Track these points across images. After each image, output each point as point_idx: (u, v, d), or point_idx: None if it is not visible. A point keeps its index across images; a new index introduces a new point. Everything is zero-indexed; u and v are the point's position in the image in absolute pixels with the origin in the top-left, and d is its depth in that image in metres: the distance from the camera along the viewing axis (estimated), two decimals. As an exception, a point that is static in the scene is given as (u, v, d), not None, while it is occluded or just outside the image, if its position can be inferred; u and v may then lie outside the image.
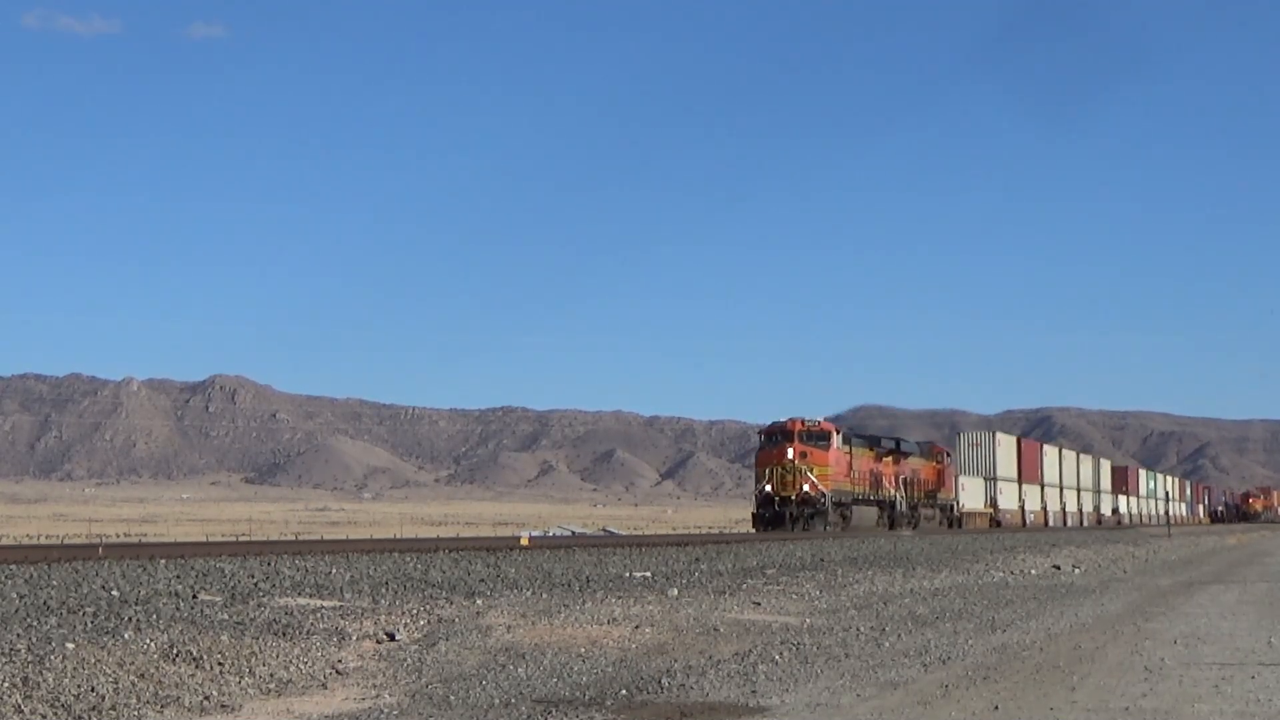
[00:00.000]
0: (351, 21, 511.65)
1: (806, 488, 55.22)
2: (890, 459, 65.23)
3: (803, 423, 56.64)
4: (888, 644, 15.53)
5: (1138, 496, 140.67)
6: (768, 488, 55.69)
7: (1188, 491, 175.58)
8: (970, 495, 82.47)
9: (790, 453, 56.26)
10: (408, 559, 25.87)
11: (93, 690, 10.76)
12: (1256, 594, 25.66)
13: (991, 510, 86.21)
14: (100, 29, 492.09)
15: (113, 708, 10.48)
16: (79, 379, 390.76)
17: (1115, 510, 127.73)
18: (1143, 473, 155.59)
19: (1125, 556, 41.93)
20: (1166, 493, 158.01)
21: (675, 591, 20.36)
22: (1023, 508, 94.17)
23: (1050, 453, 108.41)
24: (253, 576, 20.46)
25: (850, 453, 59.11)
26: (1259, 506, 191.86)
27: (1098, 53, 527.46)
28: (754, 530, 55.87)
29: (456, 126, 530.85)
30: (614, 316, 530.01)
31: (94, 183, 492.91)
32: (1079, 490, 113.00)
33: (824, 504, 55.08)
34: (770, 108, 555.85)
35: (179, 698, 11.01)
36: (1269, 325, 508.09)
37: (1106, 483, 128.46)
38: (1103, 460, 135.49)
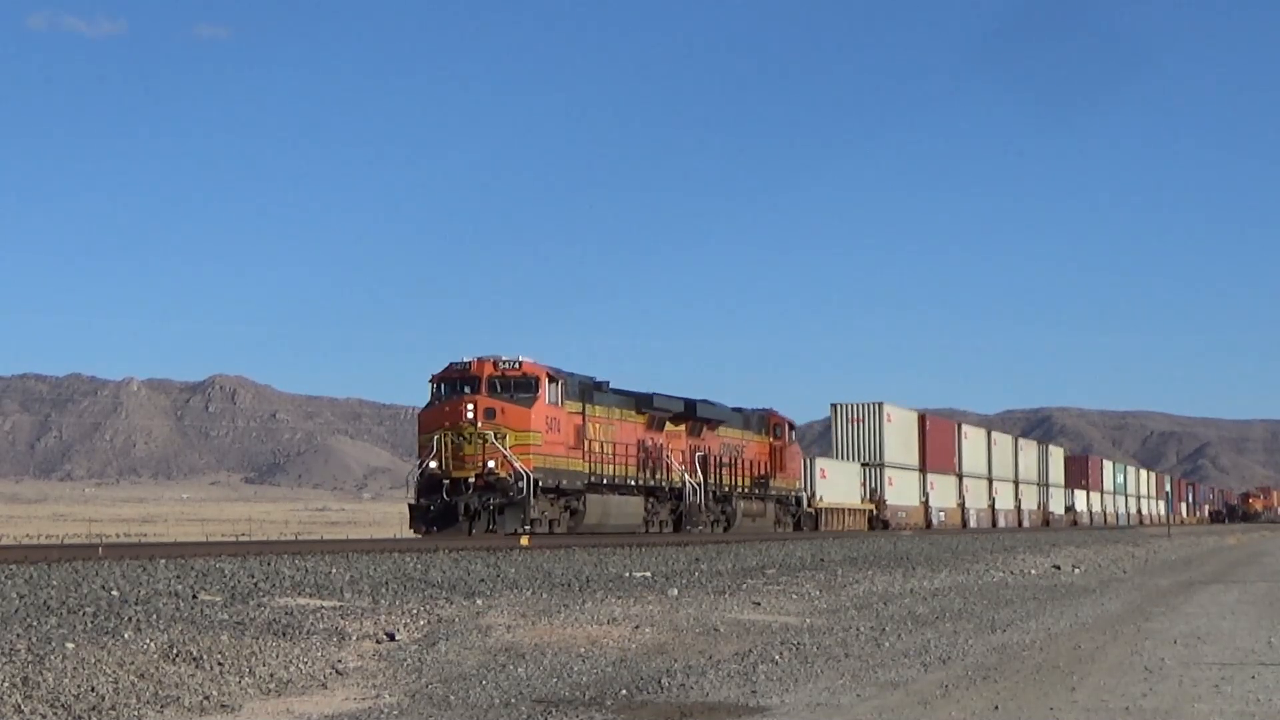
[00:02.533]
0: (355, 22, 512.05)
1: (493, 464, 37.92)
2: (678, 428, 47.76)
3: (494, 364, 39.20)
4: (888, 644, 15.54)
5: (1101, 492, 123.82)
6: (433, 464, 38.40)
7: (1166, 487, 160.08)
8: (836, 486, 65.86)
9: (470, 410, 38.70)
10: (408, 559, 25.88)
11: (93, 690, 10.76)
12: (1256, 594, 25.66)
13: (873, 506, 69.92)
14: (106, 30, 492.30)
15: (113, 708, 10.48)
16: (79, 379, 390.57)
17: (1070, 508, 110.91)
18: (1107, 464, 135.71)
19: (1125, 556, 41.95)
20: (1139, 488, 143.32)
21: (675, 591, 20.37)
22: (927, 504, 76.86)
23: (974, 435, 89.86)
24: (253, 576, 20.46)
25: (583, 413, 41.80)
26: (1259, 506, 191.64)
27: (1098, 53, 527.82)
28: (413, 532, 39.29)
29: (459, 126, 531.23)
30: (615, 316, 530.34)
31: (95, 183, 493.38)
32: (1017, 483, 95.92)
33: (521, 489, 37.68)
34: (769, 107, 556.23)
35: (179, 698, 11.01)
36: (1269, 325, 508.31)
37: (1058, 474, 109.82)
38: (1053, 447, 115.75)
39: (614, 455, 43.41)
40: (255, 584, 19.28)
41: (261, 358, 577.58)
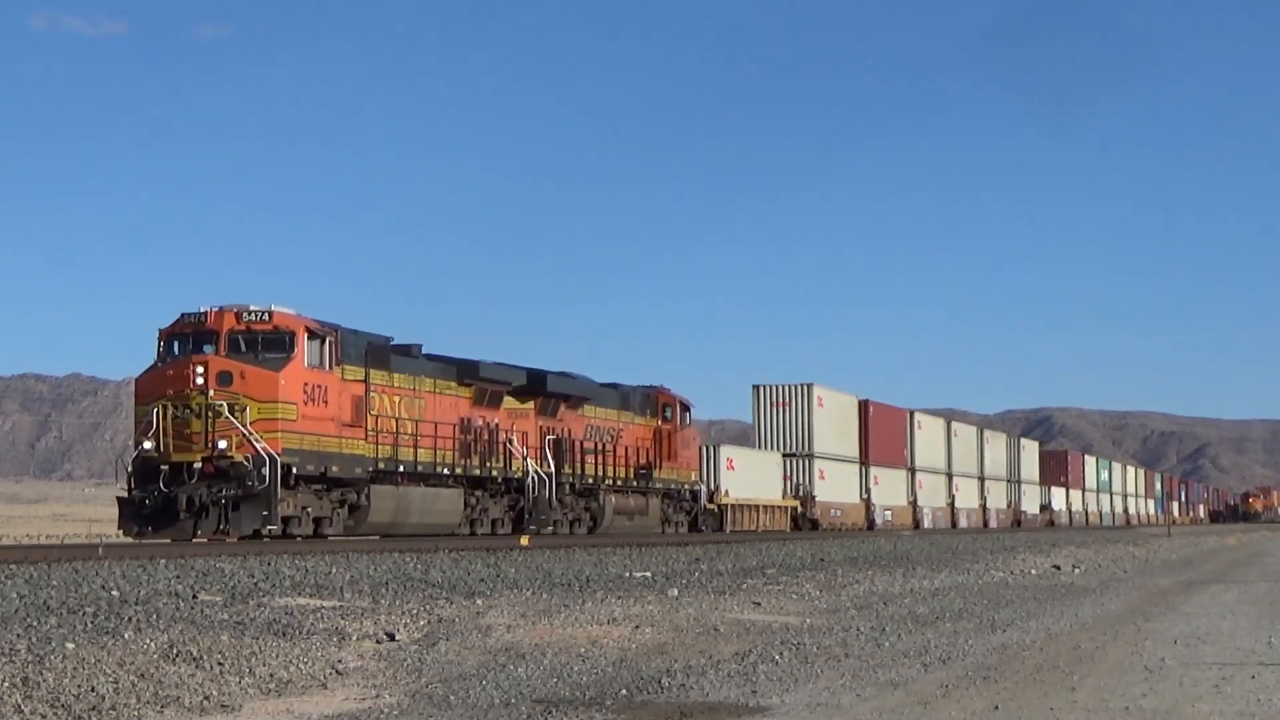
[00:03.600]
0: (357, 22, 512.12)
1: (225, 444, 29.83)
2: (523, 405, 39.53)
3: (236, 315, 30.92)
4: (888, 644, 15.54)
5: (1082, 490, 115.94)
6: (148, 444, 30.05)
7: (1157, 486, 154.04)
8: (747, 479, 56.83)
9: (199, 373, 30.24)
10: (408, 559, 25.89)
11: (93, 690, 10.76)
12: (1257, 594, 25.67)
13: (797, 503, 61.09)
14: (108, 30, 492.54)
15: (113, 708, 10.48)
16: (79, 379, 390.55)
17: (1045, 507, 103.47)
18: (1090, 460, 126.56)
19: (1125, 556, 41.96)
20: (1126, 486, 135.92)
21: (675, 591, 20.38)
22: (869, 502, 68.36)
23: (930, 425, 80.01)
24: (253, 576, 20.48)
25: (367, 380, 32.90)
26: (1259, 506, 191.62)
27: (1098, 53, 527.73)
28: (121, 534, 31.23)
29: (461, 127, 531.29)
30: (615, 316, 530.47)
31: (97, 183, 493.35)
32: (983, 479, 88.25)
33: (263, 477, 29.58)
34: (768, 107, 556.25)
35: (179, 698, 11.01)
36: (1269, 325, 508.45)
37: (1031, 470, 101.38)
38: (1025, 440, 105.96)
39: (420, 436, 34.72)
40: (255, 584, 19.30)
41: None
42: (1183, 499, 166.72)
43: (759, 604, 19.81)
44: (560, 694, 11.81)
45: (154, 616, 14.20)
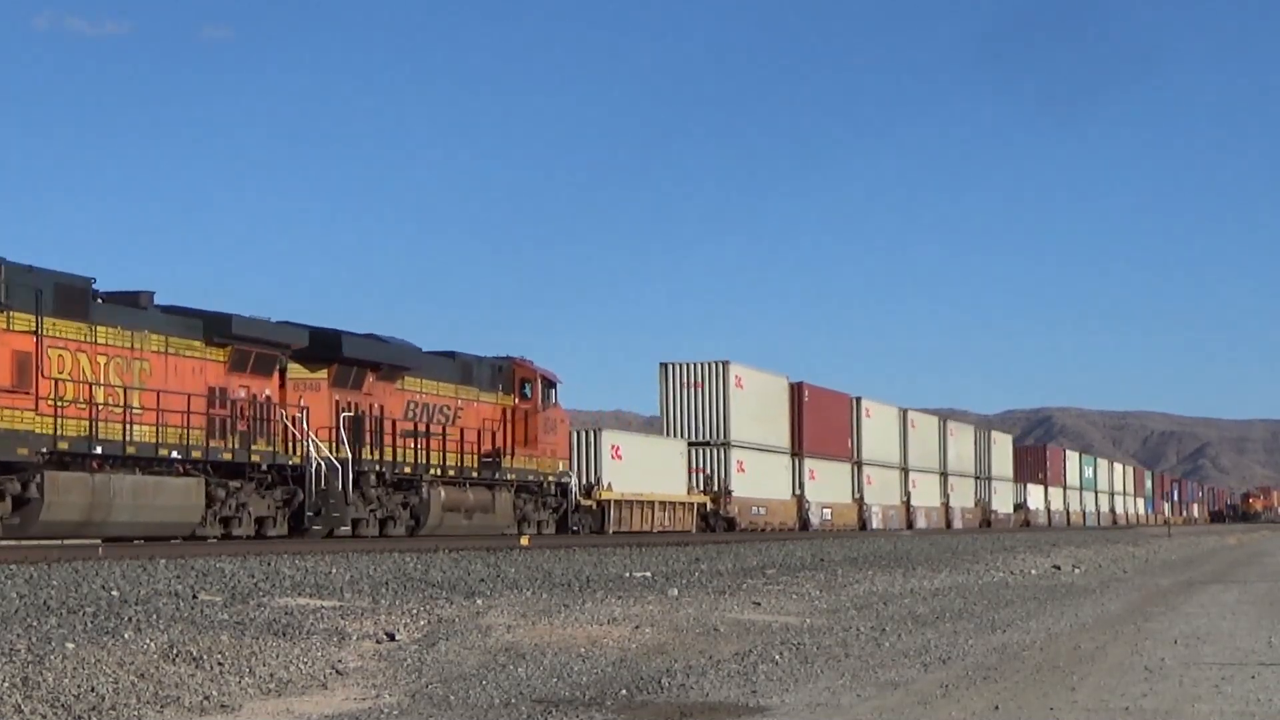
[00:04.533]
0: (362, 23, 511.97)
1: None
2: (313, 374, 33.07)
3: None
4: (888, 644, 15.54)
5: (1063, 487, 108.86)
6: None
7: (1148, 484, 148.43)
8: (638, 471, 48.48)
9: None
10: (408, 559, 25.90)
11: (93, 690, 10.76)
12: (1257, 594, 25.67)
13: (707, 499, 53.52)
14: (111, 31, 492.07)
15: (113, 708, 10.48)
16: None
17: (1020, 506, 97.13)
18: (1072, 455, 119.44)
19: (1125, 556, 41.96)
20: (1113, 484, 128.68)
21: (675, 591, 20.38)
22: (802, 498, 60.87)
23: (881, 414, 71.45)
24: (253, 576, 20.49)
25: (38, 334, 26.06)
26: (1259, 506, 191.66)
27: (1098, 53, 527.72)
28: None
29: (463, 129, 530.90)
30: (616, 315, 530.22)
31: (99, 184, 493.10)
32: (945, 475, 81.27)
33: None
34: (769, 107, 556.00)
35: (179, 698, 11.01)
36: (1269, 325, 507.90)
37: (1004, 466, 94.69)
38: (997, 434, 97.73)
39: (137, 409, 27.87)
40: (255, 584, 19.30)
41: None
42: (1175, 498, 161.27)
43: (759, 604, 19.81)
44: (560, 694, 11.81)
45: (154, 616, 14.20)
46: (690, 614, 17.69)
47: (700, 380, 54.54)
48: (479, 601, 17.31)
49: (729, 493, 54.35)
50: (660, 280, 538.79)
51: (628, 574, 24.30)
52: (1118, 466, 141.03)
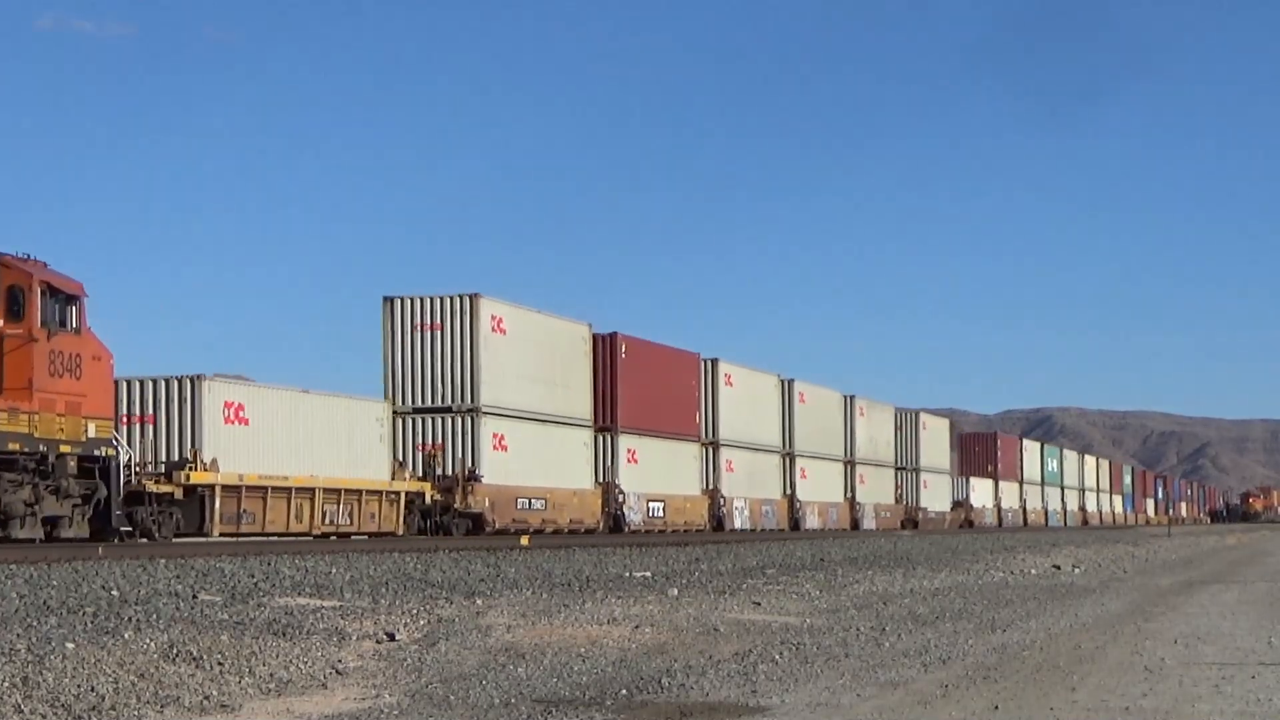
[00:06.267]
0: (365, 25, 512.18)
1: None
2: None
3: None
4: (888, 644, 15.54)
5: (1020, 482, 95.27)
6: None
7: (1126, 479, 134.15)
8: (278, 445, 34.38)
9: None
10: (408, 559, 25.90)
11: (93, 690, 10.76)
12: (1256, 594, 25.67)
13: (434, 488, 38.65)
14: (115, 32, 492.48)
15: (112, 708, 10.49)
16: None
17: (961, 503, 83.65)
18: (1031, 445, 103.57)
19: (1125, 556, 41.97)
20: (1084, 479, 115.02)
21: (675, 591, 20.38)
22: (609, 487, 45.73)
23: (748, 382, 56.01)
24: (253, 576, 20.50)
25: None
26: (1259, 506, 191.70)
27: (1098, 53, 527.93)
28: None
29: (464, 130, 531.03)
30: (615, 317, 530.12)
31: (101, 184, 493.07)
32: (851, 464, 67.02)
33: None
34: (769, 107, 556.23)
35: (179, 698, 11.02)
36: (1269, 325, 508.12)
37: (939, 456, 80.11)
38: (929, 417, 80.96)
39: None
40: (255, 584, 19.31)
41: (261, 357, 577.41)
42: (1159, 495, 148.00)
43: (759, 604, 19.81)
44: (560, 694, 11.81)
45: (154, 616, 14.21)
46: (690, 614, 17.70)
47: (437, 321, 39.84)
48: (479, 601, 17.31)
49: (474, 479, 39.17)
50: (651, 284, 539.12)
51: (628, 574, 24.31)
52: (1089, 460, 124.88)
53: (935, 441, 79.99)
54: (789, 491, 59.97)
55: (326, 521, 35.16)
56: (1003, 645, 15.77)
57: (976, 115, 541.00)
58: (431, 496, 38.88)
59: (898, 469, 74.73)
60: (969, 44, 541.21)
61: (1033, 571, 31.73)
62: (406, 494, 38.13)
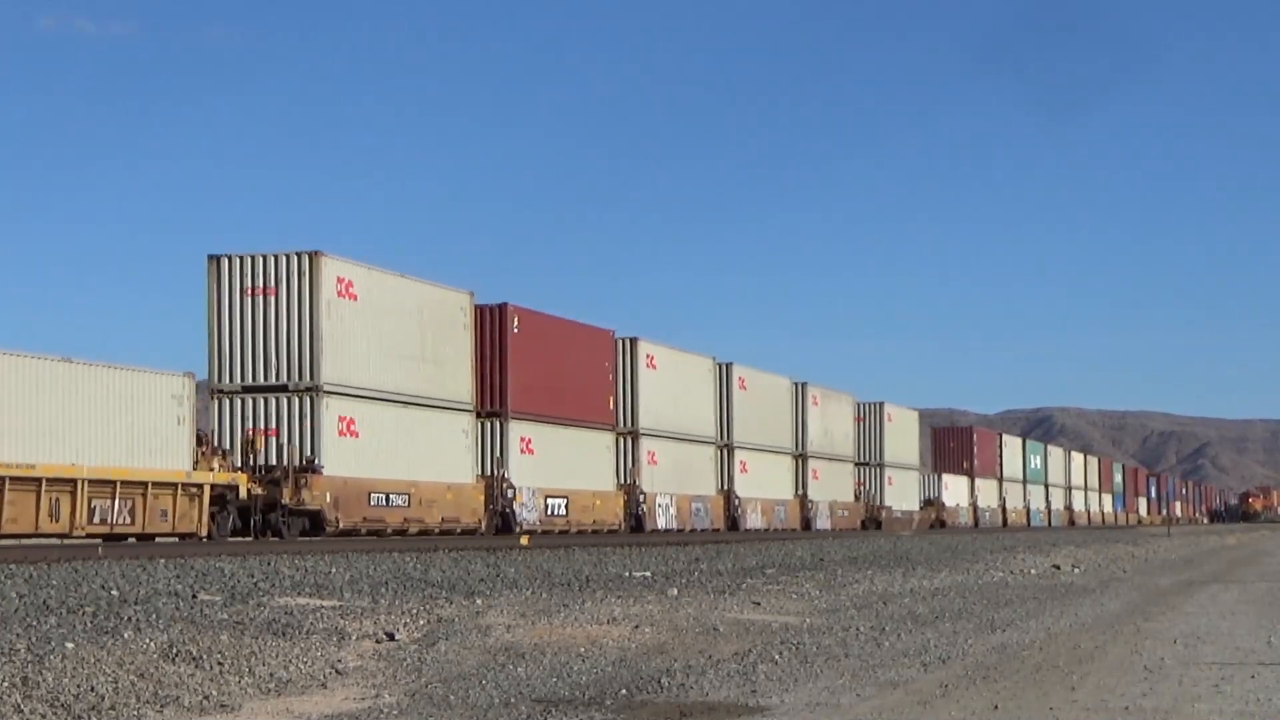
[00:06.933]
0: (366, 24, 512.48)
1: None
2: None
3: None
4: (887, 644, 15.54)
5: (998, 480, 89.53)
6: None
7: (1117, 478, 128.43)
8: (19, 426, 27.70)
9: None
10: (408, 559, 25.90)
11: (92, 690, 10.77)
12: (1256, 594, 25.67)
13: (257, 481, 32.52)
14: (116, 31, 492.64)
15: (112, 707, 10.49)
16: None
17: (931, 501, 78.78)
18: (1011, 441, 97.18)
19: (1125, 556, 41.97)
20: (1070, 478, 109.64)
21: (675, 591, 20.39)
22: (494, 479, 39.91)
23: (676, 364, 50.51)
24: (252, 576, 20.50)
25: None
26: (1259, 506, 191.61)
27: (1099, 53, 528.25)
28: None
29: (465, 131, 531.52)
30: (615, 316, 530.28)
31: (102, 184, 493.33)
32: (803, 457, 61.74)
33: None
34: (771, 108, 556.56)
35: (179, 697, 11.02)
36: (1269, 325, 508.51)
37: (906, 451, 74.26)
38: (896, 409, 74.28)
39: None
40: (255, 584, 19.31)
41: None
42: (1152, 494, 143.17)
43: (759, 604, 19.81)
44: (560, 694, 11.81)
45: (154, 616, 14.21)
46: (690, 614, 17.70)
47: (273, 283, 34.22)
48: (479, 601, 17.32)
49: (311, 471, 33.64)
50: (650, 286, 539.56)
51: (627, 574, 24.31)
52: (1077, 456, 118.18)
53: (902, 435, 73.74)
54: (725, 487, 54.32)
55: (96, 520, 28.98)
56: (1002, 645, 15.77)
57: (978, 115, 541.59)
58: (249, 490, 32.48)
59: (858, 464, 68.82)
60: (969, 44, 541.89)
61: (1032, 571, 31.73)
62: (213, 487, 31.61)
